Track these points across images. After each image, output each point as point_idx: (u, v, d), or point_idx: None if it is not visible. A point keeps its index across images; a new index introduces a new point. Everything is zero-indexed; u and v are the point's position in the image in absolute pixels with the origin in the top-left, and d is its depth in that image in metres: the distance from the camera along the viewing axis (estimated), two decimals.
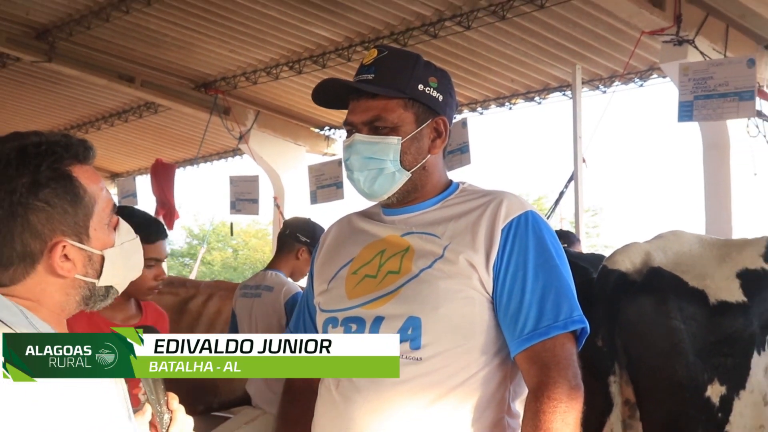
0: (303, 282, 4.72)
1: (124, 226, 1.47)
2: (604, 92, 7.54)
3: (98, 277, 1.41)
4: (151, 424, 1.50)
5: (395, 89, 1.81)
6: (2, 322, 1.27)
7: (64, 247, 1.35)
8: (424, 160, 1.86)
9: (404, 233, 1.85)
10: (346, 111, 1.90)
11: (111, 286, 1.45)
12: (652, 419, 2.59)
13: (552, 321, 1.70)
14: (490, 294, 1.75)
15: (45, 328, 1.34)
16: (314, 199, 8.36)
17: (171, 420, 1.48)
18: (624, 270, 2.68)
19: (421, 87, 1.84)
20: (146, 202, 9.56)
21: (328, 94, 1.92)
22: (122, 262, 1.45)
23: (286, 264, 4.50)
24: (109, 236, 1.43)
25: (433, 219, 1.85)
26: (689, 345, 2.53)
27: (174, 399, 1.50)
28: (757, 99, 5.50)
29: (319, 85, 1.90)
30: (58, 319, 1.39)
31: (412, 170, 1.84)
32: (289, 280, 4.42)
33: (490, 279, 1.74)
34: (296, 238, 4.48)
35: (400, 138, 1.82)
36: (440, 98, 1.87)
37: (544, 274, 1.74)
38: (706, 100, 5.48)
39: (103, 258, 1.41)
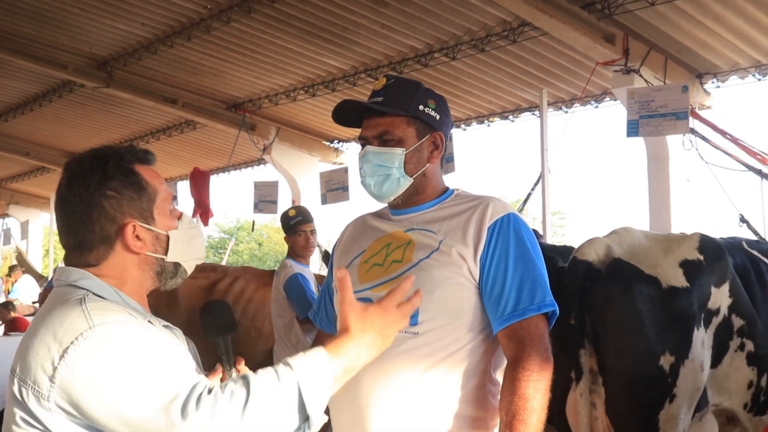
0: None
1: (187, 218, 1.50)
2: (566, 112, 7.53)
3: (165, 253, 1.43)
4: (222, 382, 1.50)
5: (400, 108, 1.80)
6: (102, 298, 1.33)
7: (135, 227, 1.38)
8: (423, 168, 1.84)
9: (407, 229, 1.84)
10: (355, 128, 1.89)
11: (179, 264, 1.46)
12: (614, 384, 2.58)
13: (528, 304, 1.69)
14: (477, 281, 1.74)
15: (132, 303, 1.38)
16: (324, 201, 8.34)
17: None
18: (591, 260, 2.68)
19: (421, 107, 1.82)
20: (186, 203, 9.56)
21: (345, 115, 1.90)
22: (185, 242, 1.47)
23: (289, 251, 4.61)
24: (171, 221, 1.45)
25: (432, 218, 1.83)
26: (648, 323, 2.53)
27: (242, 362, 1.50)
28: (690, 118, 5.53)
29: (339, 106, 1.88)
30: (139, 294, 1.42)
31: (414, 176, 1.83)
32: (291, 263, 4.45)
33: (477, 268, 1.73)
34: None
35: (404, 149, 1.81)
36: (438, 117, 1.85)
37: (522, 266, 1.72)
38: (650, 119, 5.50)
39: (168, 237, 1.43)
